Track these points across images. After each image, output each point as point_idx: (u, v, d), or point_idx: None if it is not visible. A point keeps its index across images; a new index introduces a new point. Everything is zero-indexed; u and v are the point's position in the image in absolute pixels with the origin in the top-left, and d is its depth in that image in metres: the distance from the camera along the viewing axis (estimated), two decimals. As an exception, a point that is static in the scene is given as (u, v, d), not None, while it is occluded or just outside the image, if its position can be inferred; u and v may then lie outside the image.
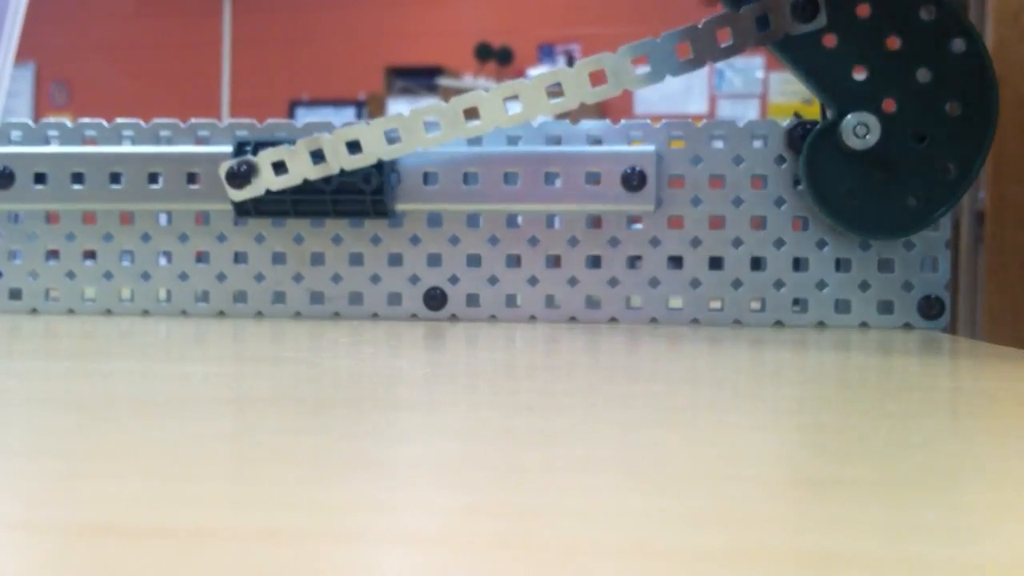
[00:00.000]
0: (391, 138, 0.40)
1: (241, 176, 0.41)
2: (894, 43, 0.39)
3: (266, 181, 0.41)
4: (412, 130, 0.40)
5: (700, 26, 0.38)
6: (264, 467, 0.14)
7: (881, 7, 0.39)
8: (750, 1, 0.38)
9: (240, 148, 0.42)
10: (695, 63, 0.39)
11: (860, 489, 0.13)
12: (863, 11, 0.39)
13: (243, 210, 0.42)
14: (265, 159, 0.41)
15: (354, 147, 0.40)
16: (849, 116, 0.39)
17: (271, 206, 0.42)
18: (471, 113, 0.39)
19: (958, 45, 0.39)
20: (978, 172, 0.39)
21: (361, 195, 0.41)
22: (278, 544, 0.11)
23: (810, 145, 0.40)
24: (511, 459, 0.15)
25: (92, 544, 0.11)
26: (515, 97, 0.39)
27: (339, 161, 0.40)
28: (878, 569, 0.10)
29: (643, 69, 0.39)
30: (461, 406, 0.21)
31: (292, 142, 0.41)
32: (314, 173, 0.41)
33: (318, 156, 0.40)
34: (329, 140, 0.40)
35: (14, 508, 0.12)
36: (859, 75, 0.39)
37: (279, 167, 0.41)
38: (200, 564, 0.10)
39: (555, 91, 0.39)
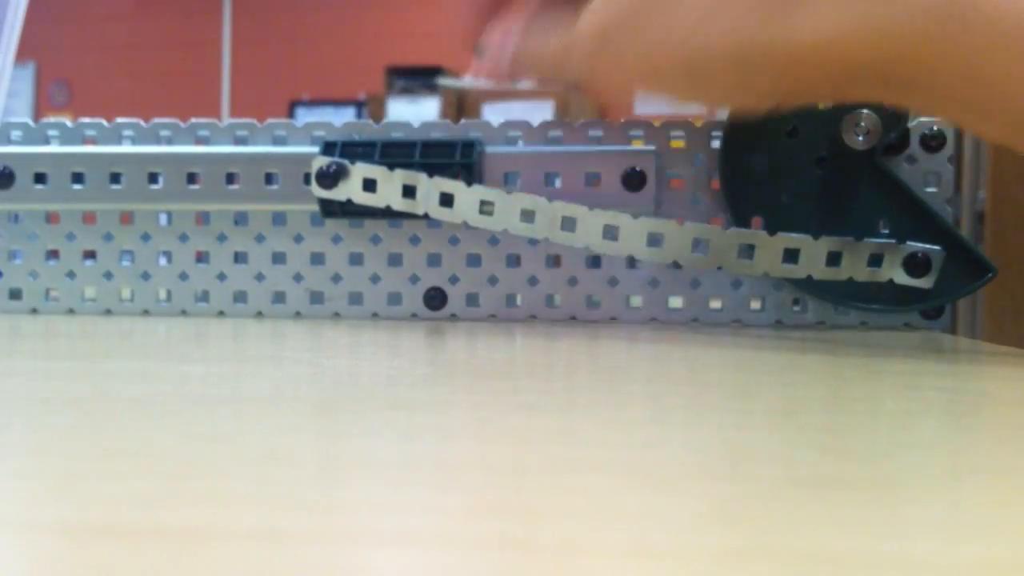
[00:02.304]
0: (484, 208, 0.40)
1: (330, 177, 0.41)
2: None
3: (352, 191, 0.41)
4: (507, 213, 0.40)
5: None
6: (264, 467, 0.14)
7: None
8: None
9: (328, 148, 0.42)
10: None
11: (860, 489, 0.13)
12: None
13: (329, 211, 0.43)
14: (359, 171, 0.41)
15: (447, 199, 0.40)
16: (847, 116, 0.39)
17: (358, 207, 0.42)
18: (568, 222, 0.39)
19: None
20: None
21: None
22: (278, 544, 0.11)
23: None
24: (511, 459, 0.15)
25: (92, 544, 0.11)
26: (616, 227, 0.39)
27: (428, 206, 0.40)
28: (877, 569, 0.10)
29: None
30: (461, 406, 0.21)
31: (375, 144, 0.42)
32: (400, 205, 0.41)
33: (410, 191, 0.41)
34: (426, 183, 0.40)
35: (14, 508, 0.12)
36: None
37: (369, 183, 0.41)
38: (200, 564, 0.10)
39: (656, 238, 0.39)
